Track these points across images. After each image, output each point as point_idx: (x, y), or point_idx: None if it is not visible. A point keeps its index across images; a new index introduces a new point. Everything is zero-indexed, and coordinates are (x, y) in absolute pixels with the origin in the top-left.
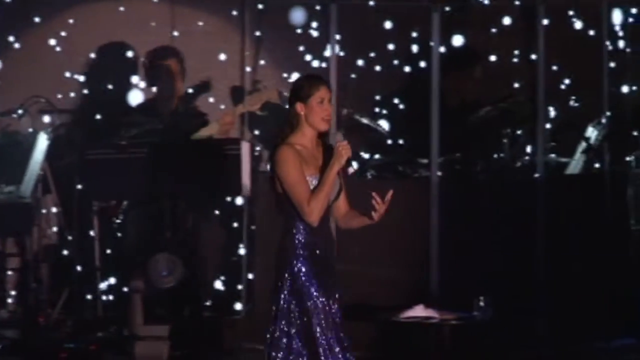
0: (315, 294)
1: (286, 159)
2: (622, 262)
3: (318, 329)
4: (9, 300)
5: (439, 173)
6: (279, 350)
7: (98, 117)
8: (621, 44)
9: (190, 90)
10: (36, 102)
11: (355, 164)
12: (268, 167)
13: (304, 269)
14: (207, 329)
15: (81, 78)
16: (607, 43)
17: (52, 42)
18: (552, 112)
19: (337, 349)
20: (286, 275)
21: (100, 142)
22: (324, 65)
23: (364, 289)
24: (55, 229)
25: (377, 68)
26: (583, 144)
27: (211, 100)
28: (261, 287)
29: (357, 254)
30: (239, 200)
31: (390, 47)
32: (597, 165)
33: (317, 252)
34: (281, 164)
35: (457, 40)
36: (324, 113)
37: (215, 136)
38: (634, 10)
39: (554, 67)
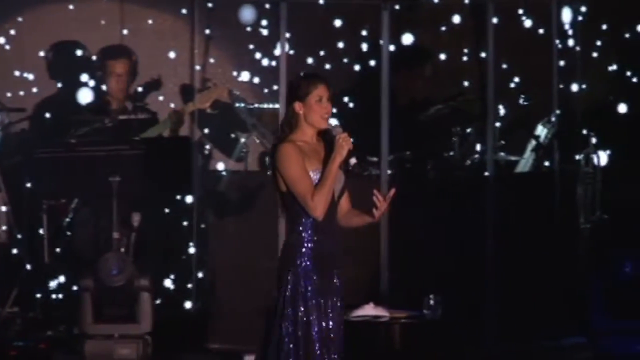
0: (313, 294)
1: (287, 155)
2: (571, 261)
3: (316, 329)
4: None
5: (389, 171)
6: (276, 348)
7: (48, 115)
8: (571, 42)
9: (140, 89)
10: None
11: (354, 159)
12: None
13: (307, 268)
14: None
15: (30, 77)
16: (557, 41)
17: (2, 40)
18: (502, 111)
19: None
20: (290, 273)
21: (50, 141)
22: (273, 63)
23: None
24: (4, 227)
25: (327, 66)
26: (533, 143)
27: (161, 98)
28: (211, 285)
29: None
30: (189, 199)
31: (340, 45)
32: (546, 164)
33: (323, 249)
34: (283, 161)
35: (407, 39)
36: (323, 111)
37: (165, 135)
38: (583, 9)
39: (504, 66)
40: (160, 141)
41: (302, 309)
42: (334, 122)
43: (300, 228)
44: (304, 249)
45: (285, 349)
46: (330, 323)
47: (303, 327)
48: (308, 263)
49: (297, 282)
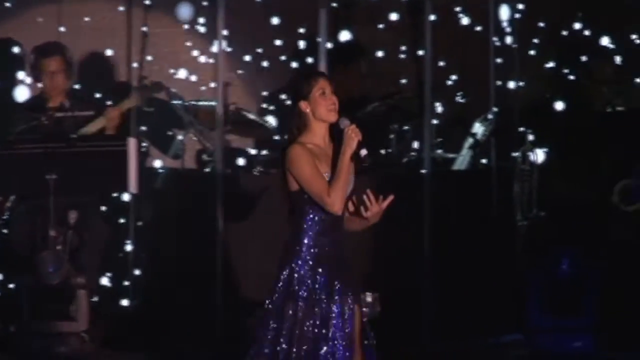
0: (305, 297)
1: (299, 156)
2: (509, 258)
3: (305, 331)
4: None
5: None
6: (265, 348)
7: None
8: (508, 40)
9: (77, 86)
10: None
11: (365, 150)
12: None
13: (302, 272)
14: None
15: None
16: (494, 39)
17: None
18: (439, 108)
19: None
20: (285, 274)
21: None
22: (211, 61)
23: (255, 285)
24: None
25: (265, 64)
26: (470, 140)
27: (98, 95)
28: (148, 282)
29: (255, 250)
30: (126, 197)
31: (278, 42)
32: (483, 161)
33: (326, 249)
34: (294, 161)
35: (344, 36)
36: (328, 102)
37: (102, 132)
38: (520, 6)
39: (441, 63)
40: (97, 138)
41: (292, 308)
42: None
43: (305, 227)
44: (304, 250)
45: (266, 344)
46: (318, 322)
47: (292, 328)
48: (304, 266)
49: (292, 282)
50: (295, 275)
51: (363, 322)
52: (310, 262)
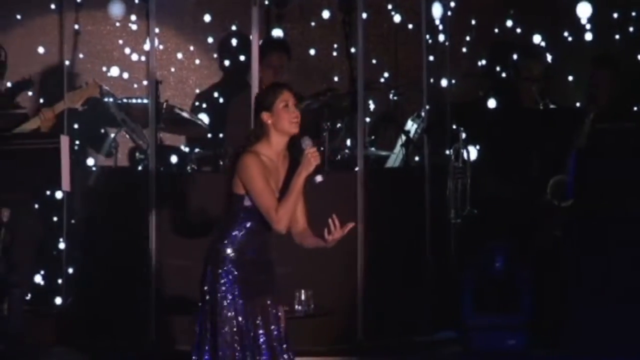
0: (228, 304)
1: (252, 166)
2: (442, 256)
3: (222, 341)
4: None
5: None
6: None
7: None
8: (440, 37)
9: (9, 84)
10: None
11: (320, 177)
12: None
13: (225, 273)
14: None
15: None
16: (427, 36)
17: None
18: (372, 106)
19: None
20: (209, 274)
21: None
22: (143, 58)
23: (187, 284)
24: None
25: (197, 61)
26: (403, 138)
27: (30, 94)
28: (81, 280)
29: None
30: (59, 194)
31: (210, 40)
32: (416, 159)
33: (249, 255)
34: (246, 169)
35: (276, 33)
36: (291, 116)
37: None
38: (452, 4)
39: (374, 61)
40: (29, 136)
41: (218, 306)
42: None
43: (235, 232)
44: (231, 255)
45: (197, 341)
46: (240, 323)
47: (214, 323)
48: (231, 265)
49: (216, 282)
50: (218, 276)
51: (284, 327)
52: (234, 265)
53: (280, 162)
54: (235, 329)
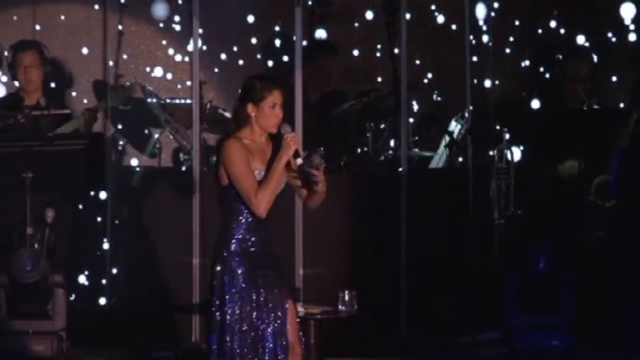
0: (237, 287)
1: (232, 151)
2: (486, 256)
3: (235, 317)
4: None
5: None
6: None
7: None
8: (484, 38)
9: (53, 85)
10: None
11: (301, 159)
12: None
13: (234, 264)
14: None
15: None
16: (470, 37)
17: None
18: (416, 106)
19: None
20: (218, 265)
21: None
22: (187, 59)
23: None
24: None
25: (240, 62)
26: (446, 138)
27: (74, 94)
28: (125, 281)
29: None
30: (103, 195)
31: (253, 41)
32: (460, 160)
33: (252, 249)
34: (228, 156)
35: (320, 34)
36: (276, 119)
37: (80, 131)
38: (496, 5)
39: (417, 62)
40: (73, 137)
41: (225, 297)
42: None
43: (234, 225)
44: (231, 247)
45: (211, 333)
46: (249, 316)
47: (223, 315)
48: (235, 259)
49: (224, 275)
50: (226, 271)
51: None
52: (239, 259)
53: (264, 144)
54: (243, 322)
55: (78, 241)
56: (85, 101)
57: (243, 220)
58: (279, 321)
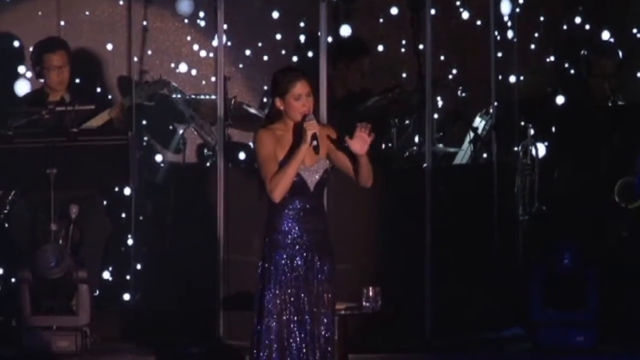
0: (274, 286)
1: (260, 140)
2: (510, 252)
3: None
4: None
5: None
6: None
7: None
8: (509, 34)
9: (78, 80)
10: None
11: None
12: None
13: (276, 256)
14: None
15: None
16: (495, 33)
17: None
18: (440, 102)
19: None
20: (263, 262)
21: None
22: (211, 55)
23: (247, 278)
24: None
25: (265, 58)
26: (471, 134)
27: (98, 90)
28: (149, 277)
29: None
30: (127, 191)
31: (278, 36)
32: (484, 155)
33: (297, 240)
34: (255, 145)
35: (345, 31)
36: (302, 109)
37: (103, 126)
38: (520, 0)
39: (442, 57)
40: (97, 132)
41: (268, 285)
42: None
43: (278, 215)
44: (277, 236)
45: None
46: (296, 306)
47: (263, 299)
48: (279, 250)
49: (266, 264)
50: (269, 261)
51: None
52: (282, 250)
53: (298, 135)
54: (283, 309)
55: (102, 237)
56: (109, 97)
57: (287, 211)
58: (313, 318)
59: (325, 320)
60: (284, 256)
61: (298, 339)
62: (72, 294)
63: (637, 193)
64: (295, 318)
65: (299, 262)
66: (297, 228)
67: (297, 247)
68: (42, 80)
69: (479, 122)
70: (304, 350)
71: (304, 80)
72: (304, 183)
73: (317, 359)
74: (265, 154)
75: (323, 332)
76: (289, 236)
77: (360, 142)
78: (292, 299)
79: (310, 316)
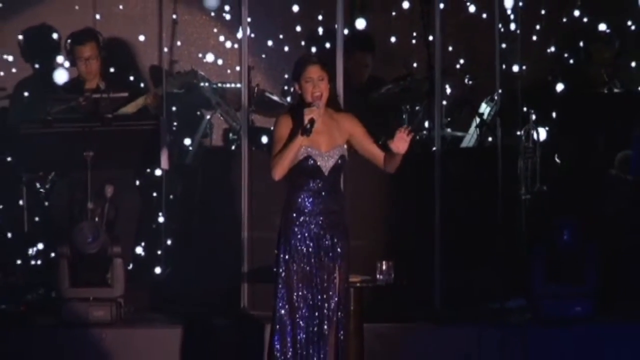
0: (288, 260)
1: (276, 123)
2: (514, 229)
3: (301, 294)
4: None
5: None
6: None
7: (26, 94)
8: (512, 26)
9: (112, 69)
10: None
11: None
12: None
13: (291, 233)
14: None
15: (10, 58)
16: (499, 26)
17: None
18: (448, 90)
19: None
20: (281, 240)
21: (29, 118)
22: (236, 46)
23: (269, 254)
24: None
25: (286, 48)
26: (477, 119)
27: (132, 78)
28: (178, 252)
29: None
30: (158, 172)
31: (298, 29)
32: (490, 139)
33: (311, 218)
34: (274, 128)
35: (360, 24)
36: (312, 90)
37: (146, 111)
38: None
39: (450, 48)
40: (130, 118)
41: (284, 257)
42: None
43: (295, 195)
44: (293, 214)
45: (275, 288)
46: (310, 284)
47: (285, 270)
48: (294, 228)
49: (285, 236)
50: (289, 240)
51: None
52: (297, 228)
53: (327, 121)
54: (298, 280)
55: (135, 215)
56: (142, 85)
57: (302, 192)
58: (324, 292)
59: (334, 295)
60: (298, 234)
61: (307, 312)
62: (108, 267)
63: (632, 168)
64: (307, 292)
65: (312, 241)
66: (311, 208)
67: (312, 225)
68: (77, 69)
69: (484, 108)
70: (316, 321)
71: (317, 65)
72: (318, 167)
73: (326, 328)
74: (276, 137)
75: (333, 306)
76: (303, 215)
77: (401, 142)
78: (304, 274)
79: (320, 290)
